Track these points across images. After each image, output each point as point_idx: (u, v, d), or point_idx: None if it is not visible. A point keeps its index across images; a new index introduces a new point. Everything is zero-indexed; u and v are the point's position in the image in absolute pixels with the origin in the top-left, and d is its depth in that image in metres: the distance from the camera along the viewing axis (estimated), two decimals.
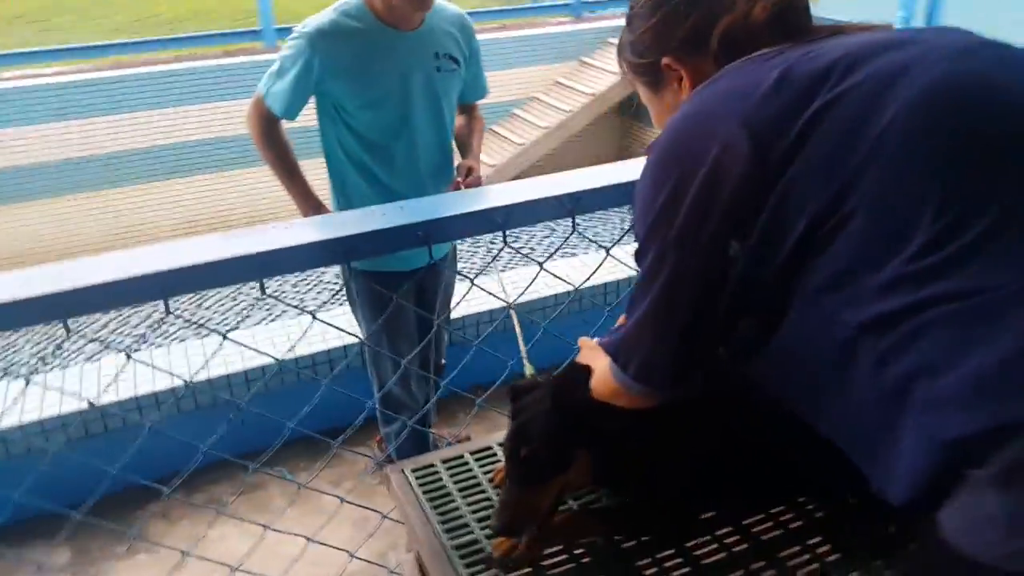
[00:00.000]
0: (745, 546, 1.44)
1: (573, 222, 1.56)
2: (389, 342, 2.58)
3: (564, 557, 1.42)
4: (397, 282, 2.29)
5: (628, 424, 1.29)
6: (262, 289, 1.41)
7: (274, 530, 1.56)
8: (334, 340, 3.33)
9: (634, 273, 1.08)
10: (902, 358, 0.82)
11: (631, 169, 1.54)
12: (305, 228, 1.43)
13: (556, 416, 1.35)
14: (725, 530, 1.48)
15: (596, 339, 1.52)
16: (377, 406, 2.60)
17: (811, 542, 1.44)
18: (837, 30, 1.04)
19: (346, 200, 2.46)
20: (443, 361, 2.95)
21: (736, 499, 1.52)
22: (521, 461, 1.35)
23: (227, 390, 3.18)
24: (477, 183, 2.50)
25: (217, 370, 3.18)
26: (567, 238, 1.85)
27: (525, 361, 1.82)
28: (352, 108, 2.31)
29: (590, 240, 1.93)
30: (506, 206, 1.55)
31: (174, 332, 4.91)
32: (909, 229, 0.82)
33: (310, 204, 2.43)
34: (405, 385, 2.67)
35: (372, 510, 1.71)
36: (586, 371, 1.34)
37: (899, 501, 0.85)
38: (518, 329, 1.97)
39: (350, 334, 1.71)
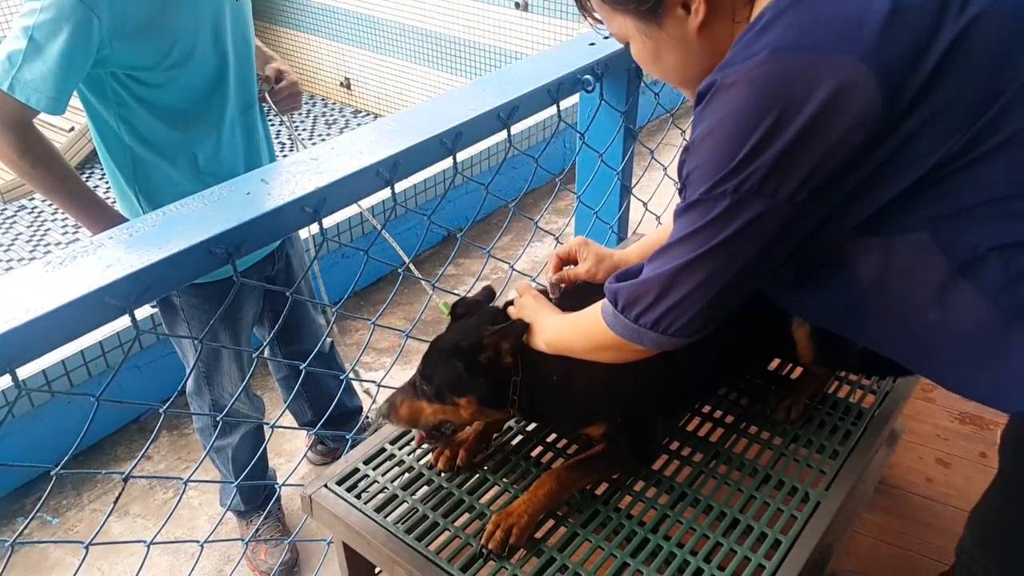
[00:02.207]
0: (700, 454, 1.50)
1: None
2: (235, 354, 2.09)
3: (551, 525, 1.37)
4: (240, 287, 1.81)
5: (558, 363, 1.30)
6: None
7: None
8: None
9: None
10: None
11: None
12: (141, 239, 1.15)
13: (454, 358, 1.33)
14: (675, 444, 1.53)
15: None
16: (218, 423, 2.15)
17: (744, 427, 1.56)
18: None
19: (151, 201, 1.83)
20: (328, 345, 2.48)
21: (677, 411, 1.59)
22: (419, 375, 1.37)
23: None
24: (295, 88, 2.03)
25: None
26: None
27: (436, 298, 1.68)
28: (151, 75, 1.69)
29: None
30: (393, 156, 1.38)
31: None
32: None
33: (108, 218, 1.74)
34: (247, 393, 2.25)
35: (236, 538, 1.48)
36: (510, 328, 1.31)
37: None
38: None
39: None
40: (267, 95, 1.96)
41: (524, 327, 1.33)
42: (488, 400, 1.34)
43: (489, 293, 1.49)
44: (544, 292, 1.46)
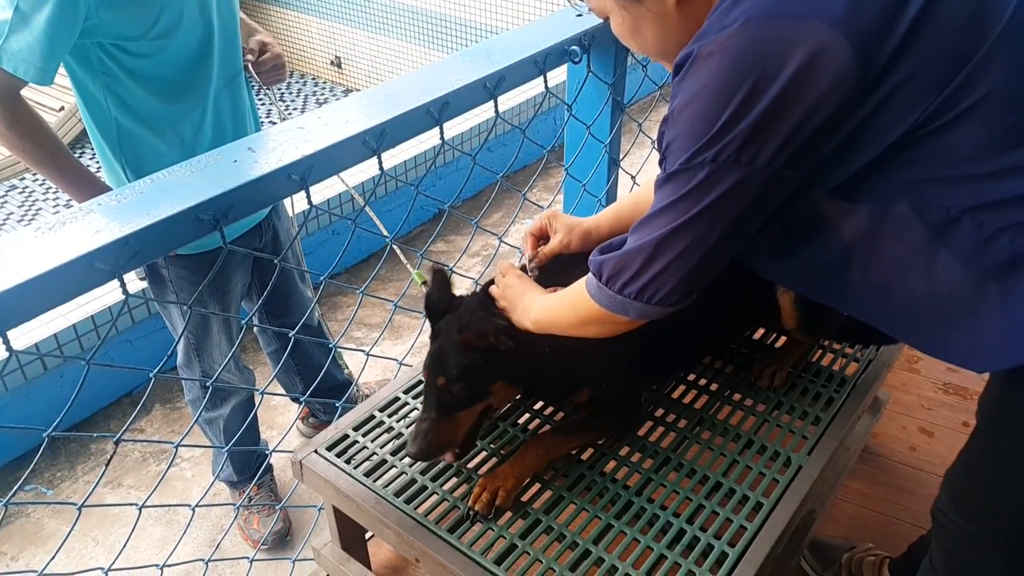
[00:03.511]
0: (684, 420, 1.53)
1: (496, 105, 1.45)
2: (223, 324, 2.10)
3: (537, 488, 1.39)
4: (229, 256, 1.72)
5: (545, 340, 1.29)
6: None
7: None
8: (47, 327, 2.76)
9: None
10: (1023, 235, 0.88)
11: None
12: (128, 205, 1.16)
13: (469, 352, 1.30)
14: (659, 411, 1.56)
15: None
16: (206, 396, 2.18)
17: (728, 394, 1.58)
18: None
19: (137, 172, 1.80)
20: (317, 319, 2.48)
21: (662, 379, 1.61)
22: (440, 389, 1.30)
23: None
24: (279, 60, 2.02)
25: None
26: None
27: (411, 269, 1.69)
28: (138, 45, 1.68)
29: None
30: (379, 125, 1.39)
31: None
32: None
33: (97, 190, 1.73)
34: (236, 365, 2.27)
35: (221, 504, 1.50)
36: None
37: (1008, 363, 0.95)
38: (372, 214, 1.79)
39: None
40: (251, 67, 1.96)
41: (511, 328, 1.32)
42: (514, 379, 1.36)
43: (442, 276, 1.45)
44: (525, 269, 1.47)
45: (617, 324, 1.14)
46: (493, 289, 1.41)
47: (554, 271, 1.43)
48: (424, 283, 1.45)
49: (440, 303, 1.41)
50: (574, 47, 1.72)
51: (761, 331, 1.74)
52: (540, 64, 1.66)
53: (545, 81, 1.72)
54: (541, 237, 1.52)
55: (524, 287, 1.36)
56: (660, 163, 1.01)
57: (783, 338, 1.70)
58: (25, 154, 1.67)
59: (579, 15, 1.78)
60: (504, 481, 1.34)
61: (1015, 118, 0.88)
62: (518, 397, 1.57)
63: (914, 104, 0.87)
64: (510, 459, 1.38)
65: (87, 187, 1.74)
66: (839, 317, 1.60)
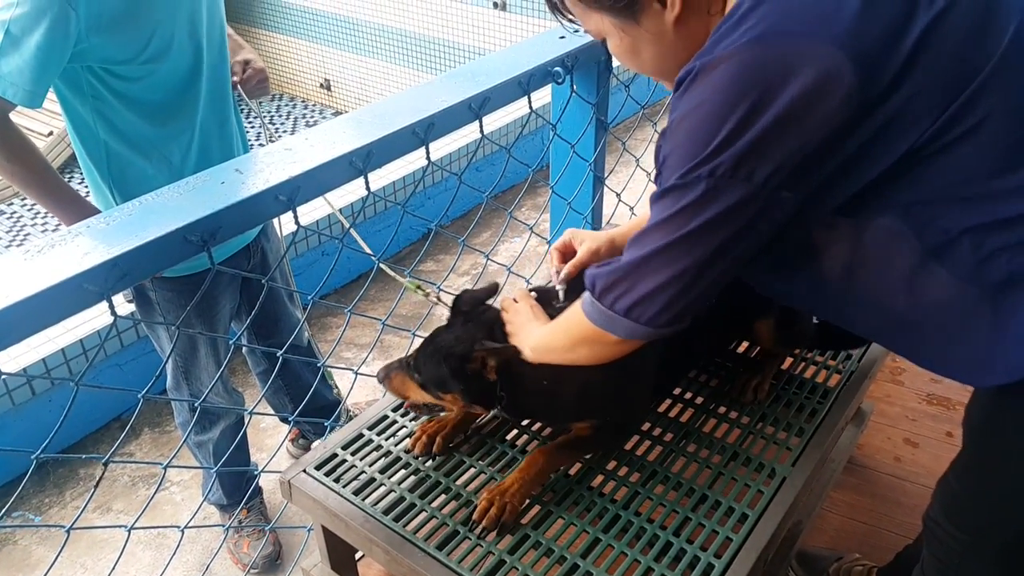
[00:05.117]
0: (670, 434, 1.54)
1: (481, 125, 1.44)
2: (211, 346, 2.09)
3: (526, 503, 1.40)
4: (217, 277, 1.78)
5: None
6: None
7: None
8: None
9: None
10: (1020, 256, 0.90)
11: None
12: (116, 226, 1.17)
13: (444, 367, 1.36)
14: (646, 425, 1.57)
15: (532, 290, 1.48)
16: (193, 419, 2.18)
17: (713, 407, 1.60)
18: None
19: (125, 196, 1.81)
20: (307, 339, 2.48)
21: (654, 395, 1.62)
22: (414, 359, 1.41)
23: None
24: (263, 75, 2.03)
25: None
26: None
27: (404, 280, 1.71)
28: (128, 69, 1.68)
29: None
30: (366, 146, 1.41)
31: None
32: None
33: (86, 212, 1.74)
34: (224, 387, 2.26)
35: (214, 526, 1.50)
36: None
37: (1005, 379, 0.96)
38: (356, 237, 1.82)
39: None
40: (237, 87, 1.98)
41: (513, 352, 1.33)
42: (472, 400, 1.38)
43: (493, 287, 1.50)
44: (543, 292, 1.48)
45: (607, 346, 1.13)
46: (503, 314, 1.42)
47: (581, 287, 1.45)
48: (418, 288, 1.48)
49: (468, 304, 1.45)
50: (557, 68, 1.75)
51: (745, 344, 1.77)
52: (524, 85, 1.69)
53: (529, 101, 1.75)
54: (566, 253, 1.52)
55: (532, 315, 1.37)
56: (656, 178, 1.02)
57: (759, 348, 1.72)
58: (14, 177, 1.68)
59: (562, 37, 1.81)
60: (511, 497, 1.35)
61: (1014, 139, 0.89)
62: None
63: (915, 125, 0.88)
64: (514, 473, 1.39)
65: (76, 209, 1.75)
66: (811, 328, 1.63)
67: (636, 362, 1.22)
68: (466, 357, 1.33)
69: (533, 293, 1.46)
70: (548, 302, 1.44)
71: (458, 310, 1.45)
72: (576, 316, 1.16)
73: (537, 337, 1.30)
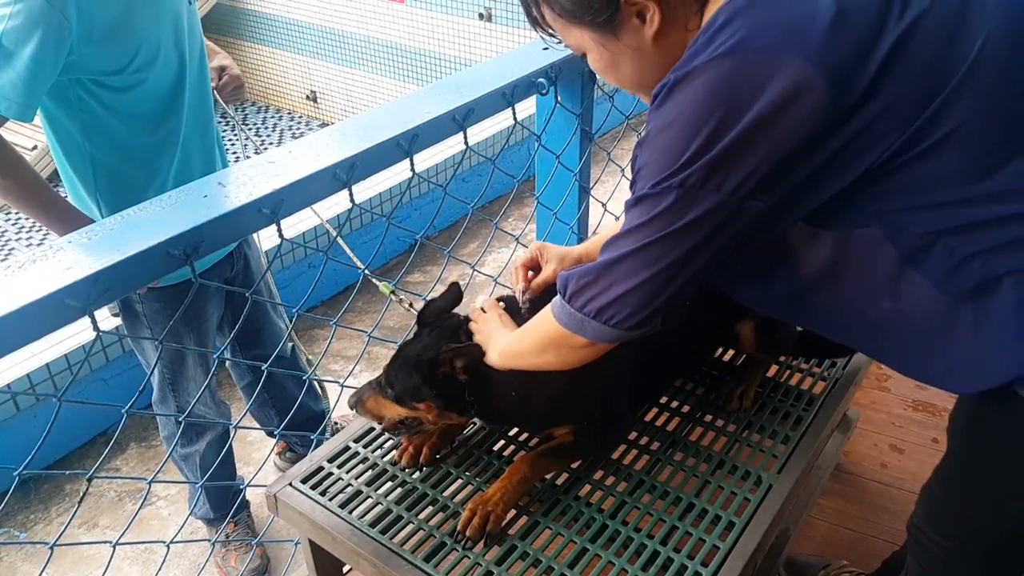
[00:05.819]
0: (657, 443, 1.55)
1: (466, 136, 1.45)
2: (199, 355, 2.08)
3: (513, 514, 1.40)
4: (201, 289, 1.77)
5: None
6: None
7: None
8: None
9: None
10: (994, 259, 0.92)
11: None
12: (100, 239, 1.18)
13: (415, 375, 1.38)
14: (633, 434, 1.57)
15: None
16: (178, 431, 2.15)
17: (699, 416, 1.60)
18: None
19: (112, 208, 1.78)
20: (290, 349, 2.46)
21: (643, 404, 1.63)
22: (385, 377, 1.42)
23: None
24: (238, 81, 2.04)
25: None
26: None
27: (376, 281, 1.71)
28: (117, 79, 1.67)
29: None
30: (350, 158, 1.41)
31: None
32: (1013, 144, 0.89)
33: (80, 223, 1.67)
34: (212, 398, 2.25)
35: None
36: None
37: (983, 386, 0.98)
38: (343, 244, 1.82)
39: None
40: (214, 92, 1.98)
41: (479, 352, 1.35)
42: (445, 406, 1.39)
43: (456, 293, 1.52)
44: (510, 301, 1.49)
45: (574, 349, 1.14)
46: (472, 324, 1.43)
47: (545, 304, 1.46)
48: (392, 293, 1.49)
49: (433, 315, 1.47)
50: (541, 79, 1.77)
51: (731, 353, 1.77)
52: (508, 96, 1.70)
53: (514, 113, 1.76)
54: (532, 268, 1.53)
55: (500, 324, 1.38)
56: (631, 186, 1.03)
57: (744, 356, 1.73)
58: (8, 192, 1.67)
59: (546, 48, 1.82)
60: (495, 506, 1.35)
61: (989, 145, 0.90)
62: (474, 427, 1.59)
63: (886, 136, 0.90)
64: (498, 482, 1.39)
65: (70, 220, 1.73)
66: (794, 334, 1.64)
67: (607, 366, 1.23)
68: (435, 362, 1.35)
69: (501, 303, 1.46)
70: (516, 311, 1.45)
71: (424, 321, 1.47)
72: (545, 319, 1.17)
73: (505, 343, 1.31)
